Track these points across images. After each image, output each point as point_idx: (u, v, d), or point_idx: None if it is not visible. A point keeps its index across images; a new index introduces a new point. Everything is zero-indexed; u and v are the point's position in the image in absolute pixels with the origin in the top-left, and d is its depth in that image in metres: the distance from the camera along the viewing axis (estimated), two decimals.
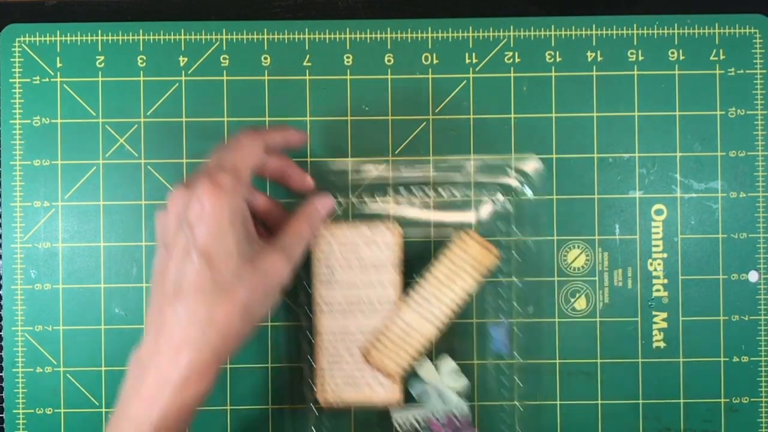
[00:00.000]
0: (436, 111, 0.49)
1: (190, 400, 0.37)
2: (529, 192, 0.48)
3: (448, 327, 0.45)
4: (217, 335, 0.37)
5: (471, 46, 0.49)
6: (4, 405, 0.48)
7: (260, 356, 0.48)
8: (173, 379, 0.37)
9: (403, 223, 0.47)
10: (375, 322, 0.45)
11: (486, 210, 0.48)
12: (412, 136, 0.49)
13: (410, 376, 0.46)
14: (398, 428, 0.46)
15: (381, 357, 0.45)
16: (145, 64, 0.49)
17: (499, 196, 0.48)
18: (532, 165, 0.48)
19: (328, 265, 0.46)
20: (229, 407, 0.48)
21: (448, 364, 0.47)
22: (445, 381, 0.47)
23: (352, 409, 0.48)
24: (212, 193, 0.37)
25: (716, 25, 0.49)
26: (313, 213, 0.44)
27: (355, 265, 0.45)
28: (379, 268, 0.45)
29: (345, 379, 0.46)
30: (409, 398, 0.47)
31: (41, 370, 0.48)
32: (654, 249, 0.49)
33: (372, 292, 0.45)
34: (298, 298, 0.47)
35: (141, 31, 0.49)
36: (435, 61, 0.49)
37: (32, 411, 0.48)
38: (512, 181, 0.48)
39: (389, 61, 0.49)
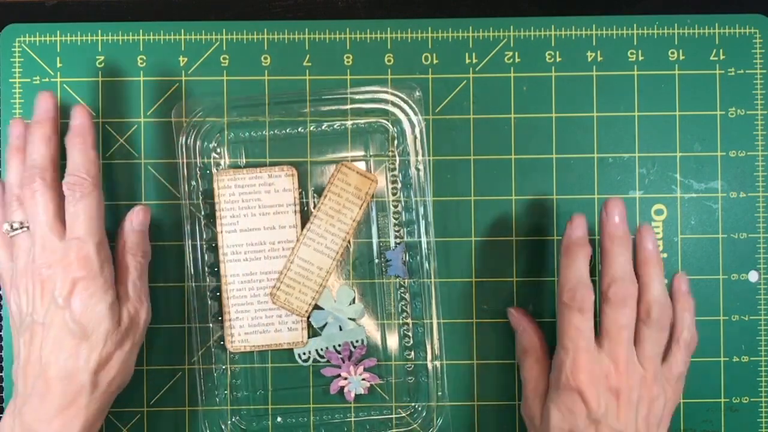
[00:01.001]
0: (436, 111, 0.49)
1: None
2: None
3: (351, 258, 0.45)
4: (101, 395, 0.42)
5: (471, 46, 0.49)
6: (4, 405, 0.48)
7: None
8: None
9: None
10: (278, 264, 0.47)
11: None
12: None
13: (312, 310, 0.48)
14: (300, 361, 0.48)
15: (286, 297, 0.47)
16: (145, 64, 0.49)
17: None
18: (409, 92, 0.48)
19: (233, 213, 0.47)
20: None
21: (346, 292, 0.48)
22: (344, 310, 0.48)
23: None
24: (81, 268, 0.41)
25: (716, 25, 0.49)
26: (129, 237, 0.45)
27: (256, 210, 0.47)
28: (279, 212, 0.47)
29: (252, 324, 0.47)
30: (315, 334, 0.48)
31: None
32: None
33: (274, 234, 0.47)
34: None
35: (141, 31, 0.49)
36: (435, 61, 0.49)
37: None
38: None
39: (389, 61, 0.49)
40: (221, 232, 0.47)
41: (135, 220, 0.45)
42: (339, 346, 0.48)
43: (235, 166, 0.48)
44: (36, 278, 0.41)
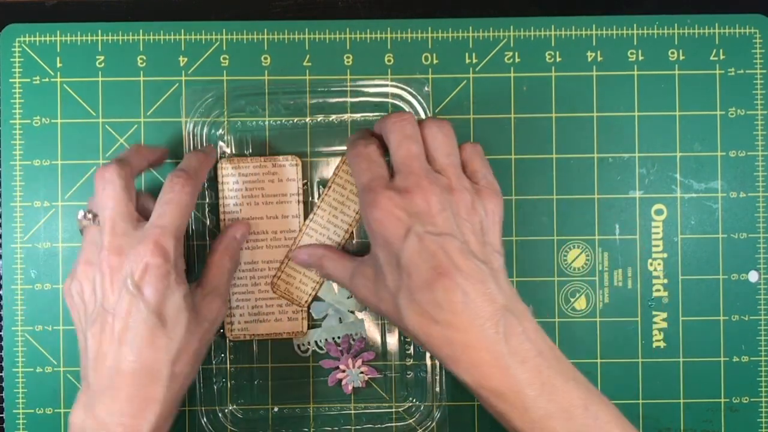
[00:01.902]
0: (436, 111, 0.49)
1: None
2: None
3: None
4: (177, 387, 0.40)
5: (471, 46, 0.49)
6: (4, 405, 0.48)
7: None
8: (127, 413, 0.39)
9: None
10: (279, 253, 0.47)
11: None
12: None
13: (313, 300, 0.48)
14: (299, 352, 0.48)
15: (287, 287, 0.47)
16: (145, 64, 0.49)
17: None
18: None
19: (236, 201, 0.47)
20: None
21: None
22: (344, 302, 0.48)
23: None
24: (161, 252, 0.39)
25: (716, 25, 0.49)
26: (231, 243, 0.45)
27: (260, 199, 0.47)
28: (282, 201, 0.47)
29: (252, 313, 0.47)
30: (315, 326, 0.49)
31: (41, 370, 0.48)
32: (654, 249, 0.49)
33: (276, 223, 0.47)
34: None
35: (141, 31, 0.49)
36: (435, 61, 0.49)
37: (32, 411, 0.48)
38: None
39: (389, 61, 0.49)
40: (224, 220, 0.47)
41: (240, 231, 0.46)
42: (338, 338, 0.48)
43: (240, 155, 0.48)
44: (104, 265, 0.39)
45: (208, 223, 0.48)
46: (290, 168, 0.47)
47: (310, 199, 0.48)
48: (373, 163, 0.41)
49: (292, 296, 0.47)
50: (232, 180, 0.47)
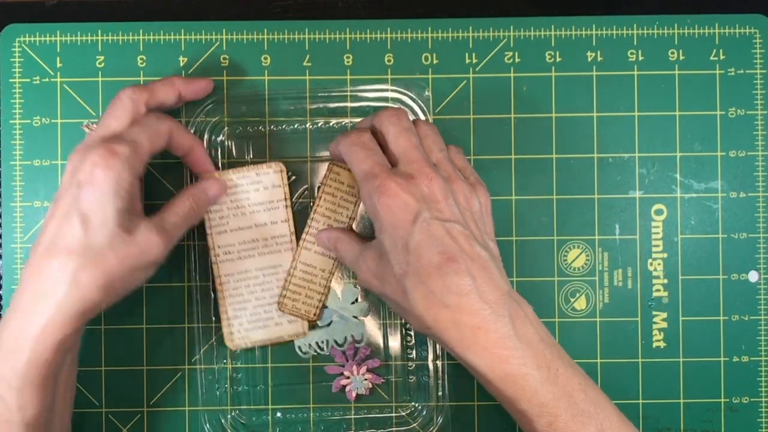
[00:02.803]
0: (436, 111, 0.49)
1: (48, 352, 0.38)
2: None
3: None
4: (77, 296, 0.38)
5: (471, 46, 0.49)
6: None
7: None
8: (29, 331, 0.38)
9: None
10: (272, 259, 0.47)
11: None
12: None
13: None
14: (301, 354, 0.48)
15: (293, 303, 0.47)
16: (145, 64, 0.49)
17: None
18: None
19: (221, 214, 0.47)
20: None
21: (351, 291, 0.48)
22: (348, 308, 0.48)
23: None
24: (106, 160, 0.38)
25: (716, 25, 0.49)
26: (199, 195, 0.44)
27: (246, 209, 0.47)
28: (270, 208, 0.47)
29: (251, 320, 0.47)
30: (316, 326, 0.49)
31: None
32: (654, 249, 0.49)
33: (266, 231, 0.47)
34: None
35: (141, 31, 0.49)
36: (435, 61, 0.49)
37: None
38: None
39: (389, 61, 0.49)
40: (210, 234, 0.47)
41: (214, 188, 0.45)
42: (339, 342, 0.48)
43: (231, 166, 0.48)
44: (75, 158, 0.40)
45: (195, 243, 0.48)
46: (274, 175, 0.47)
47: (310, 203, 0.48)
48: (371, 150, 0.41)
49: (300, 312, 0.47)
50: None
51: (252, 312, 0.47)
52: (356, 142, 0.42)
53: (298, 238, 0.47)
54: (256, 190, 0.47)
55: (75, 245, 0.38)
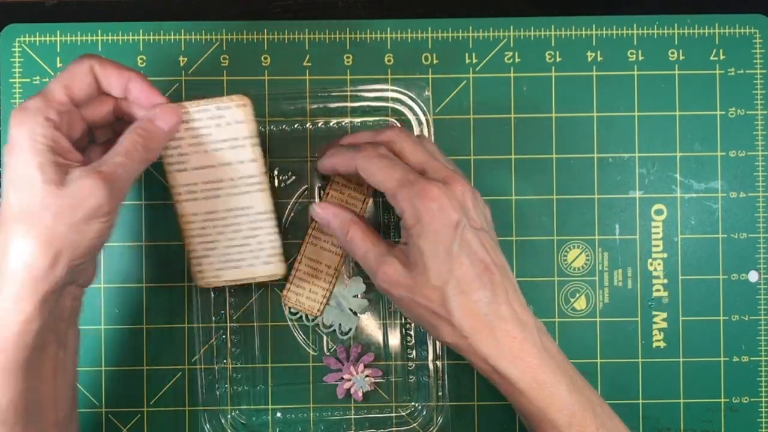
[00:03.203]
0: (436, 111, 0.49)
1: (12, 334, 0.36)
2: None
3: None
4: (19, 266, 0.35)
5: (471, 46, 0.49)
6: None
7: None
8: None
9: None
10: (241, 200, 0.44)
11: None
12: None
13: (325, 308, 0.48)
14: (287, 312, 0.48)
15: (297, 297, 0.47)
16: (145, 64, 0.49)
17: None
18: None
19: (181, 151, 0.43)
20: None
21: (357, 285, 0.48)
22: (349, 300, 0.48)
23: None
24: (14, 118, 0.36)
25: (716, 25, 0.49)
26: (147, 126, 0.39)
27: (209, 147, 0.43)
28: (234, 146, 0.43)
29: (222, 260, 0.45)
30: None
31: None
32: (654, 249, 0.49)
33: (231, 170, 0.43)
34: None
35: (141, 31, 0.49)
36: (435, 61, 0.49)
37: None
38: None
39: (389, 61, 0.49)
40: (170, 171, 0.43)
41: (167, 120, 0.40)
42: (325, 324, 0.48)
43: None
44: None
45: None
46: (237, 109, 0.42)
47: (310, 202, 0.48)
48: (395, 160, 0.41)
49: (303, 306, 0.47)
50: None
51: (223, 252, 0.44)
52: (376, 155, 0.41)
53: (271, 180, 0.45)
54: (218, 126, 0.43)
55: (9, 212, 0.36)
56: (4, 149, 0.37)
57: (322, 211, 0.44)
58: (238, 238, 0.44)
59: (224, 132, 0.43)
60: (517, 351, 0.39)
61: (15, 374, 0.36)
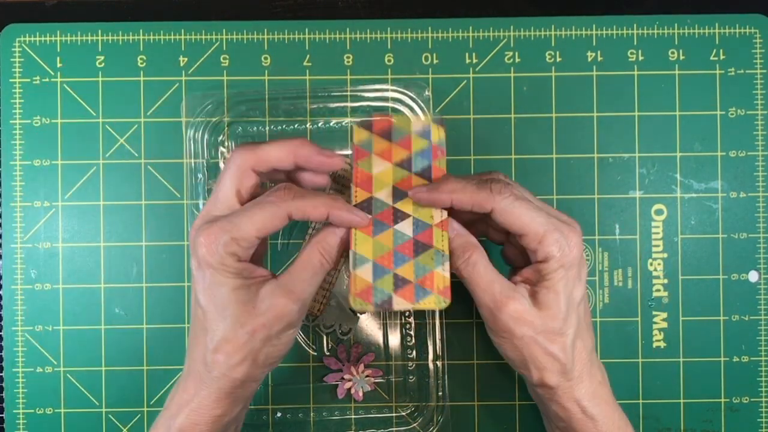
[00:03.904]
0: (436, 111, 0.49)
1: (205, 422, 0.39)
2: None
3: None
4: (219, 374, 0.38)
5: (471, 46, 0.49)
6: (4, 405, 0.48)
7: None
8: (191, 405, 0.39)
9: None
10: None
11: None
12: None
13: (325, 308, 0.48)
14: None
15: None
16: (145, 64, 0.49)
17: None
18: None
19: None
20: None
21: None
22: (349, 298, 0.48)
23: None
24: (203, 241, 0.38)
25: (716, 25, 0.49)
26: (330, 241, 0.40)
27: None
28: None
29: None
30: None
31: (41, 370, 0.48)
32: (654, 249, 0.49)
33: None
34: None
35: (141, 31, 0.49)
36: (435, 61, 0.49)
37: (32, 411, 0.48)
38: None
39: (389, 61, 0.49)
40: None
41: (341, 226, 0.40)
42: (326, 325, 0.48)
43: None
44: (190, 233, 0.40)
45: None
46: None
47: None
48: (532, 201, 0.40)
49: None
50: None
51: None
52: (520, 196, 0.39)
53: None
54: None
55: (201, 327, 0.39)
56: (191, 258, 0.39)
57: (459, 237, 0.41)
58: None
59: None
60: (600, 393, 0.41)
61: None
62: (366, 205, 0.40)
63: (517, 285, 0.40)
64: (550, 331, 0.39)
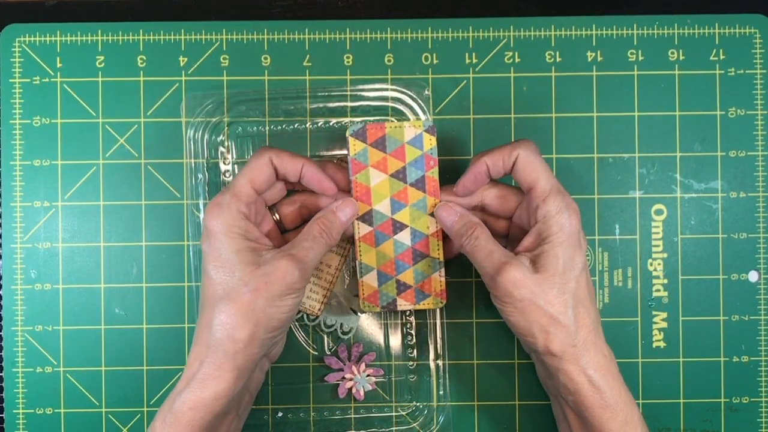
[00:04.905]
0: (436, 111, 0.49)
1: (207, 398, 0.39)
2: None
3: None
4: (223, 336, 0.40)
5: (471, 46, 0.49)
6: (4, 405, 0.48)
7: None
8: (196, 378, 0.40)
9: None
10: None
11: None
12: None
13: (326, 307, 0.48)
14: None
15: (303, 299, 0.46)
16: (145, 64, 0.49)
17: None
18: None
19: None
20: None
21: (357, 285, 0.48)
22: (349, 297, 0.48)
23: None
24: (209, 212, 0.41)
25: (716, 25, 0.49)
26: (332, 219, 0.43)
27: None
28: None
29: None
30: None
31: (41, 370, 0.48)
32: (654, 249, 0.49)
33: None
34: None
35: (141, 31, 0.49)
36: (435, 61, 0.49)
37: (32, 411, 0.48)
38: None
39: (389, 61, 0.49)
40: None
41: (346, 211, 0.44)
42: (327, 324, 0.48)
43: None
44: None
45: (191, 243, 0.47)
46: None
47: None
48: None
49: (304, 306, 0.47)
50: None
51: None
52: (540, 154, 0.43)
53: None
54: None
55: (213, 293, 0.40)
56: (202, 239, 0.42)
57: (445, 212, 0.44)
58: None
59: None
60: (607, 367, 0.41)
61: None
62: (367, 218, 0.45)
63: (518, 254, 0.42)
64: (549, 293, 0.40)
